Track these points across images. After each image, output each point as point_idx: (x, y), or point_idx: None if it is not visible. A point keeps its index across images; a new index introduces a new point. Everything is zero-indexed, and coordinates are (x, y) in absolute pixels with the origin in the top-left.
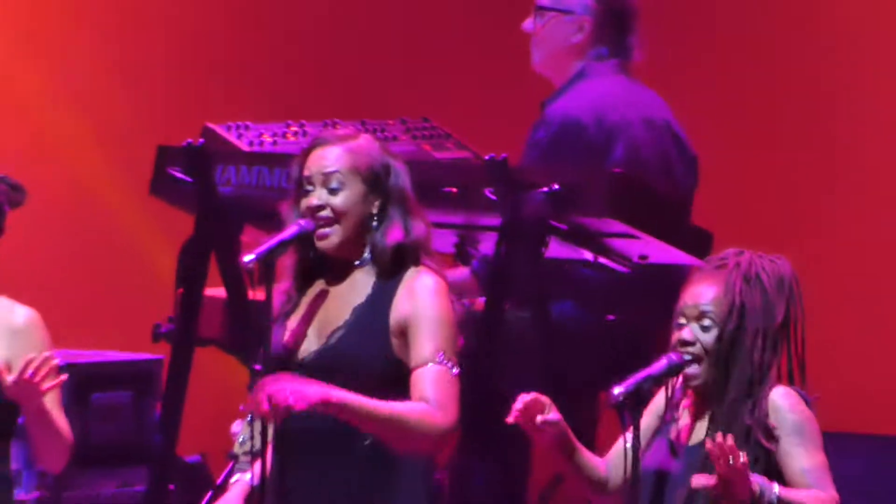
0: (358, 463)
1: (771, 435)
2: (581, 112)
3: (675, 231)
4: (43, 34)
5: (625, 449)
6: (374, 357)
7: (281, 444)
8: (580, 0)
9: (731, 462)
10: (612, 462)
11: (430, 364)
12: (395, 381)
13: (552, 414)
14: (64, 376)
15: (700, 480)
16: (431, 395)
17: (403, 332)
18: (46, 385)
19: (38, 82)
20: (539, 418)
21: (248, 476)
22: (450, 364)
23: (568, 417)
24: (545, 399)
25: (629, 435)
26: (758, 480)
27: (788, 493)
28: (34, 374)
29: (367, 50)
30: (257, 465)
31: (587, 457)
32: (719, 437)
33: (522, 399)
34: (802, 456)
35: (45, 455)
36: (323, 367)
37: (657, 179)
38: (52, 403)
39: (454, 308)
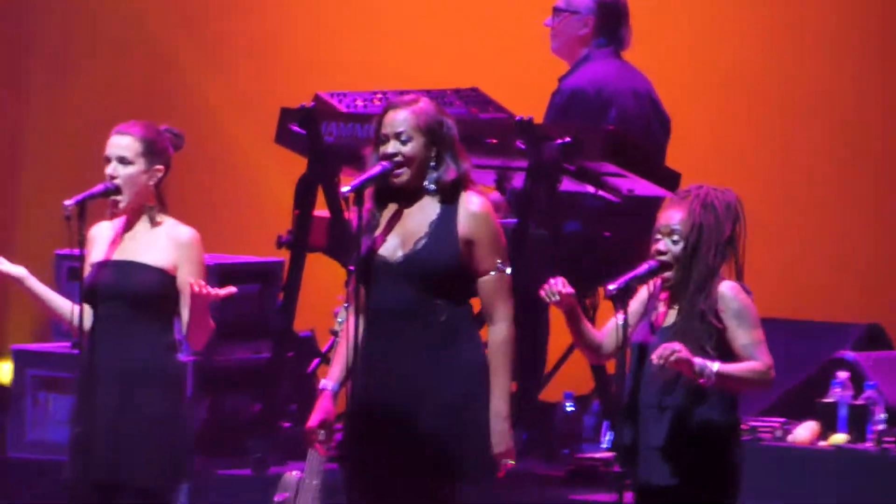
0: (433, 331)
1: (718, 316)
2: (586, 86)
3: (653, 171)
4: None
5: (616, 326)
6: (450, 258)
7: (371, 320)
8: (586, 3)
9: (672, 356)
10: (606, 333)
11: (493, 272)
12: (460, 277)
13: (568, 288)
14: (232, 289)
15: (656, 355)
16: (496, 299)
17: (469, 242)
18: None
19: (193, 60)
20: (563, 290)
21: (330, 384)
22: (504, 267)
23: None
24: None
25: (620, 317)
26: (699, 362)
27: (725, 367)
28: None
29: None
30: (337, 369)
31: (588, 326)
32: (659, 350)
33: (559, 282)
34: (743, 334)
35: (196, 336)
36: (410, 268)
37: (640, 134)
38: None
39: (497, 219)
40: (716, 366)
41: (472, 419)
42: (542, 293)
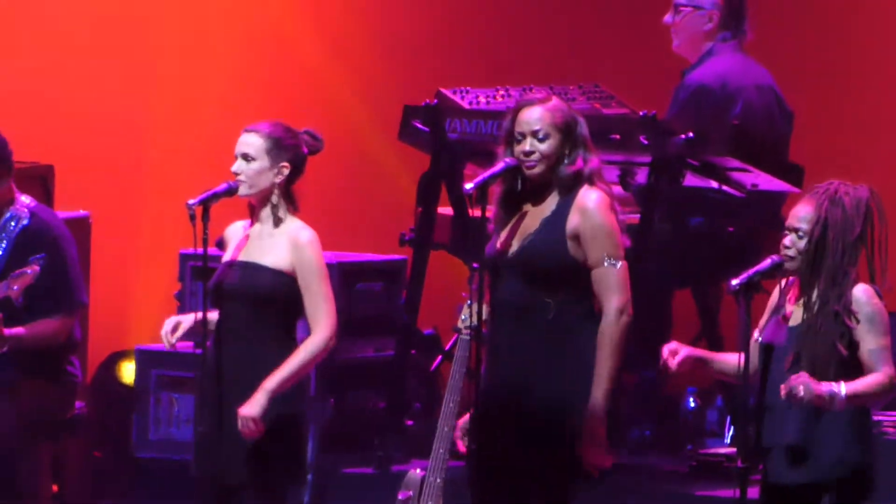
0: (540, 329)
1: (852, 317)
2: (710, 80)
3: (777, 166)
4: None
5: (751, 348)
6: (553, 254)
7: (493, 315)
8: None
9: (801, 394)
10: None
11: (602, 265)
12: (569, 272)
13: (681, 353)
14: None
15: (784, 392)
16: (604, 292)
17: (576, 237)
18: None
19: (319, 58)
20: (674, 362)
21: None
22: (614, 261)
23: (698, 297)
24: (675, 348)
25: (742, 314)
26: (826, 390)
27: (852, 387)
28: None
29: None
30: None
31: (720, 360)
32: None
33: (670, 355)
34: (871, 340)
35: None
36: (518, 262)
37: (764, 128)
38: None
39: (615, 215)
40: (843, 389)
41: (580, 418)
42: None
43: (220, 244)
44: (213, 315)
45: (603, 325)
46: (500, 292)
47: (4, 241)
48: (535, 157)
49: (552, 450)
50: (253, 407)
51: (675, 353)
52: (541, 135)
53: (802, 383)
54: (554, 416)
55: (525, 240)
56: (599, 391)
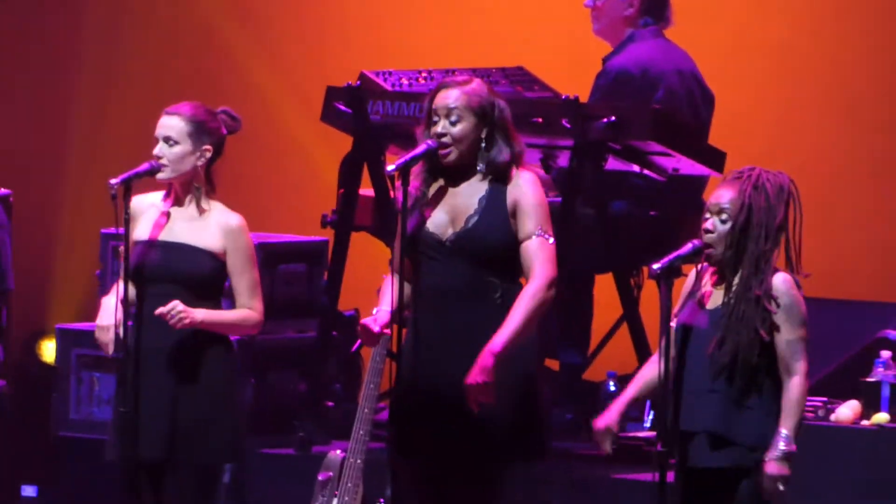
0: (488, 309)
1: (774, 302)
2: (631, 66)
3: (698, 150)
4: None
5: (660, 315)
6: (500, 234)
7: (421, 298)
8: None
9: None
10: (655, 360)
11: (533, 237)
12: (513, 254)
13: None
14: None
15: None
16: (534, 263)
17: (514, 213)
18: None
19: (241, 39)
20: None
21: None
22: (547, 235)
23: (620, 282)
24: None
25: (662, 297)
26: (783, 450)
27: (791, 425)
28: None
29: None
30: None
31: (641, 389)
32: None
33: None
34: (788, 330)
35: (236, 334)
36: (462, 246)
37: (685, 113)
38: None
39: (547, 195)
40: (790, 437)
41: (525, 400)
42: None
43: (127, 223)
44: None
45: (529, 287)
46: (431, 275)
47: None
48: (446, 139)
49: (489, 435)
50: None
51: (607, 435)
52: (453, 116)
53: (778, 481)
54: (500, 399)
55: (468, 221)
56: (502, 337)
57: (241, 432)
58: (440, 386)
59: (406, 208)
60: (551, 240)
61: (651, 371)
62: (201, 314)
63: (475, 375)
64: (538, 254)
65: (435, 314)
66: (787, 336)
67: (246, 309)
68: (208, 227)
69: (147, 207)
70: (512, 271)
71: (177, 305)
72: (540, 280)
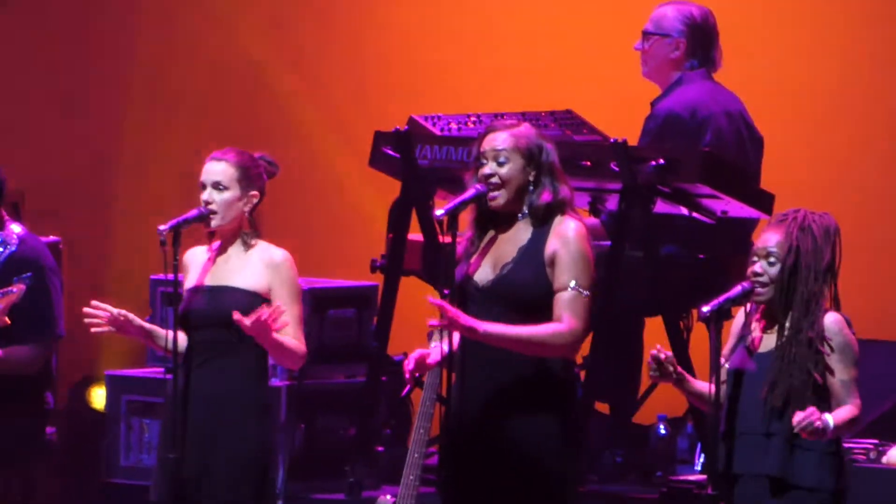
0: (518, 359)
1: (826, 344)
2: (679, 108)
3: (747, 193)
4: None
5: (710, 357)
6: (534, 282)
7: (465, 345)
8: (675, 26)
9: (811, 426)
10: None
11: (567, 289)
12: (547, 301)
13: (665, 353)
14: (286, 321)
15: (796, 421)
16: (563, 312)
17: (552, 262)
18: (276, 326)
19: (290, 84)
20: (664, 356)
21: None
22: (581, 289)
23: (669, 324)
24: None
25: (712, 340)
26: (824, 422)
27: (838, 419)
28: (267, 318)
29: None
30: (445, 343)
31: (697, 384)
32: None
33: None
34: (842, 370)
35: (281, 362)
36: (496, 291)
37: (734, 155)
38: (291, 327)
39: (591, 246)
40: (831, 421)
41: (560, 445)
42: (650, 372)
43: (176, 268)
44: (182, 340)
45: (554, 324)
46: None
47: None
48: (494, 180)
49: (528, 482)
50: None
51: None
52: (501, 158)
53: (817, 417)
54: (530, 452)
55: (503, 268)
56: (498, 328)
57: (269, 477)
58: (480, 429)
59: (454, 254)
60: (585, 293)
61: (705, 386)
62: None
63: (457, 316)
64: (569, 306)
65: (476, 359)
66: (840, 376)
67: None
68: (252, 264)
69: (196, 258)
70: (547, 321)
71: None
72: (564, 326)
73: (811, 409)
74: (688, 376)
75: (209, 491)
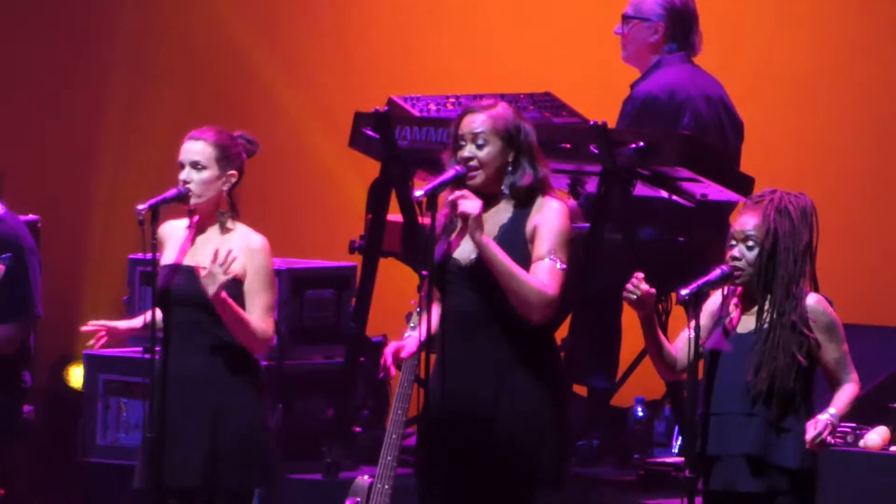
0: (505, 335)
1: (809, 326)
2: (658, 91)
3: (726, 176)
4: (275, 23)
5: (689, 338)
6: (516, 260)
7: (447, 324)
8: (654, 10)
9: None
10: (680, 348)
11: (545, 259)
12: None
13: (647, 286)
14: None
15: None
16: (540, 278)
17: (533, 238)
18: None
19: (270, 66)
20: (645, 287)
21: (416, 333)
22: (558, 260)
23: None
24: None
25: (692, 324)
26: (825, 419)
27: (839, 408)
28: (220, 261)
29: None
30: (422, 329)
31: (663, 338)
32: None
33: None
34: (833, 348)
35: (245, 342)
36: (478, 269)
37: (713, 139)
38: (259, 313)
39: (571, 224)
40: (833, 410)
41: (548, 425)
42: (625, 291)
43: (154, 248)
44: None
45: (537, 280)
46: (454, 300)
47: None
48: (473, 163)
49: (513, 462)
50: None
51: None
52: (480, 140)
53: (828, 429)
54: (523, 424)
55: None
56: (495, 249)
57: (272, 457)
58: (464, 410)
59: (433, 235)
60: (562, 266)
61: (671, 347)
62: (224, 294)
63: (470, 204)
64: (546, 274)
65: (458, 339)
66: (832, 354)
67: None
68: (230, 248)
69: (174, 232)
70: None
71: (220, 260)
72: (539, 285)
73: (817, 424)
74: (657, 326)
75: (213, 474)
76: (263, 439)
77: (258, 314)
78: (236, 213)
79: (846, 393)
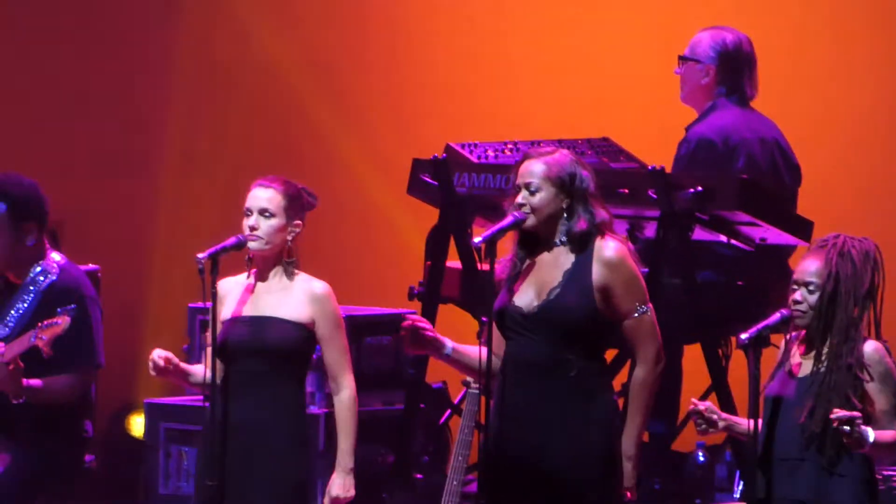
0: (563, 386)
1: (865, 371)
2: (711, 134)
3: (785, 219)
4: (332, 70)
5: (750, 386)
6: (581, 307)
7: (508, 370)
8: (707, 52)
9: (850, 424)
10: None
11: (636, 314)
12: (595, 328)
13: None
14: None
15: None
16: (637, 341)
17: (604, 290)
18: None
19: (327, 113)
20: (702, 407)
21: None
22: (644, 308)
23: (707, 352)
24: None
25: (751, 367)
26: (864, 430)
27: (880, 436)
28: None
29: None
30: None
31: (742, 423)
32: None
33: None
34: (884, 400)
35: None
36: (543, 317)
37: (769, 182)
38: (336, 358)
39: (636, 261)
40: (872, 435)
41: (603, 476)
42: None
43: (214, 296)
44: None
45: (640, 373)
46: (516, 348)
47: (32, 295)
48: (525, 209)
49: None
50: (347, 488)
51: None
52: (532, 187)
53: (859, 419)
54: (576, 474)
55: (550, 293)
56: (632, 438)
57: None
58: (523, 457)
59: (493, 282)
60: (648, 311)
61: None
62: (350, 482)
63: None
64: (640, 333)
65: (517, 386)
66: (882, 406)
67: (345, 403)
68: (294, 296)
69: (231, 287)
70: (592, 347)
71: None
72: (647, 363)
73: (855, 413)
74: (735, 419)
75: None
76: (304, 492)
77: (335, 357)
78: (297, 264)
79: (890, 434)
